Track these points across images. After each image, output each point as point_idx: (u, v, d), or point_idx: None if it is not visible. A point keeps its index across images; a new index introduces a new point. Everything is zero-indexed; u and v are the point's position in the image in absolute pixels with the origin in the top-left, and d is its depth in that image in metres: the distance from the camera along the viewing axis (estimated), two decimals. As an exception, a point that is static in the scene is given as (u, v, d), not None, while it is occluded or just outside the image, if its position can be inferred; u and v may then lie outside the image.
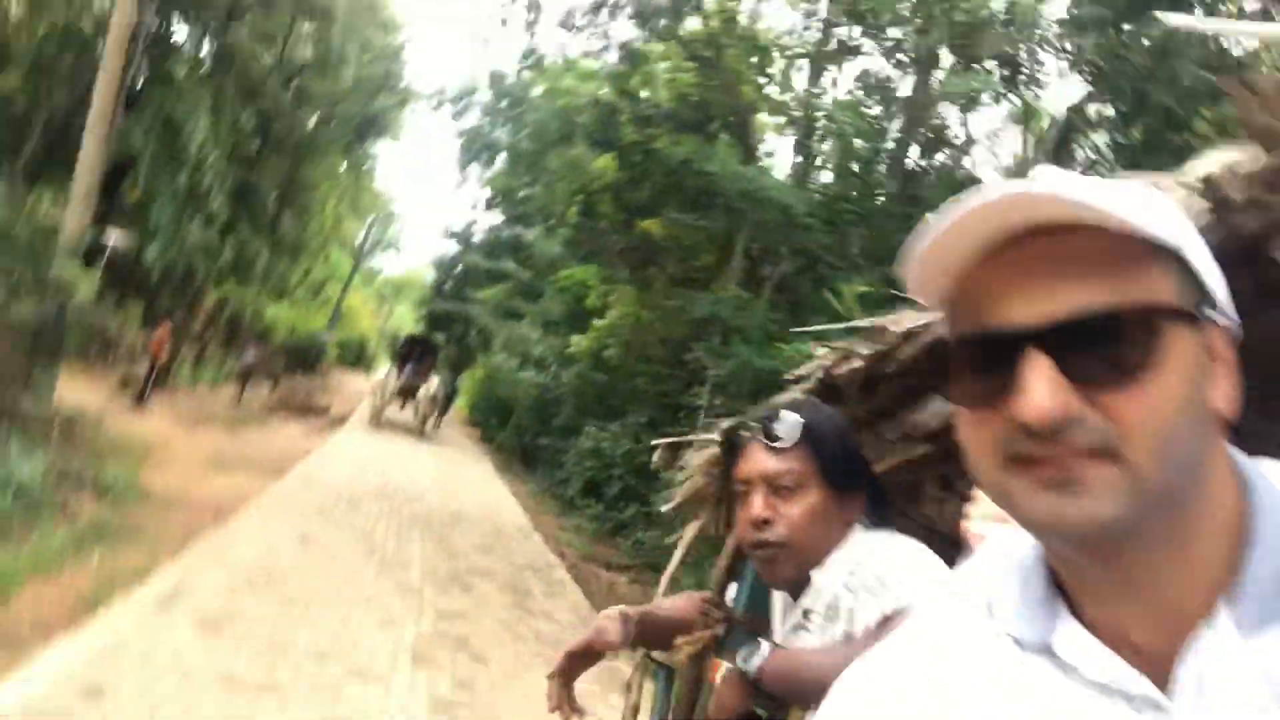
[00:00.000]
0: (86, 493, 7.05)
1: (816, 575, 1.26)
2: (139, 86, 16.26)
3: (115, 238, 13.66)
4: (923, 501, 2.27)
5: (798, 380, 1.64)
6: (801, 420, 1.29)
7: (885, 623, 1.14)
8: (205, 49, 19.64)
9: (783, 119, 12.62)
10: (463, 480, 15.06)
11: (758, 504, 1.27)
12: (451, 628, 6.11)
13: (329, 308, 34.62)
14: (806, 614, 1.28)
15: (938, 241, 0.54)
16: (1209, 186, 0.85)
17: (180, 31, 19.03)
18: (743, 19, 12.89)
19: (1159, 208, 0.54)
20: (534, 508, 13.49)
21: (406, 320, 46.36)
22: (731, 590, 1.63)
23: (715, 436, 1.69)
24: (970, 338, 0.55)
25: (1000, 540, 0.67)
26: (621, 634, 1.43)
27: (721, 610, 1.50)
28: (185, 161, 17.29)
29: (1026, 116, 10.56)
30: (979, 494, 1.11)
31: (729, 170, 8.86)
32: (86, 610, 4.65)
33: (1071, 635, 0.58)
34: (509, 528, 11.30)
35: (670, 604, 1.58)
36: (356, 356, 41.53)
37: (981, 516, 1.16)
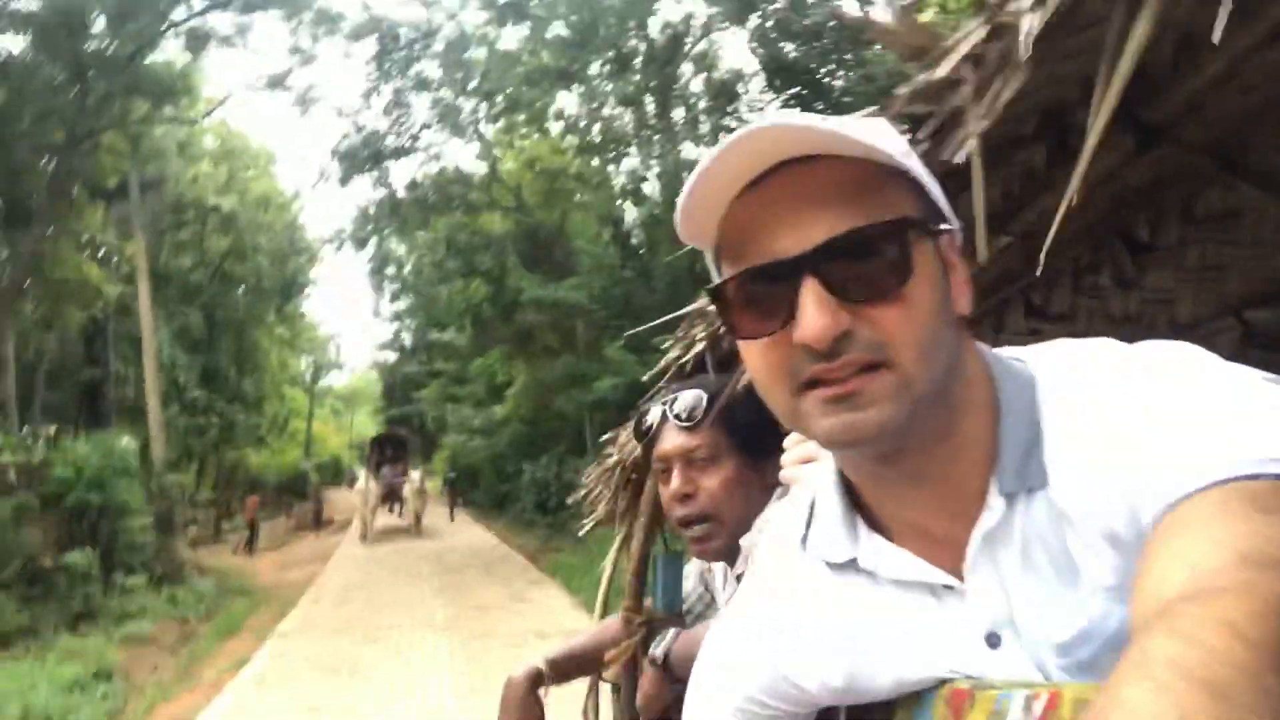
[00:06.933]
0: (233, 592, 12.48)
1: (744, 541, 1.28)
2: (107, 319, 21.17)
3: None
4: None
5: (661, 376, 1.65)
6: (704, 394, 1.32)
7: None
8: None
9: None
10: (447, 530, 20.82)
11: (677, 480, 1.31)
12: (452, 586, 11.77)
13: (298, 440, 39.68)
14: (740, 580, 1.24)
15: (702, 186, 0.58)
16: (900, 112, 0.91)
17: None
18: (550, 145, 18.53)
19: (887, 134, 0.60)
20: (504, 534, 19.11)
21: (368, 427, 51.34)
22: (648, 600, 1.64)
23: (622, 441, 1.72)
24: (745, 273, 0.58)
25: (808, 479, 0.73)
26: (535, 697, 1.54)
27: (641, 615, 1.56)
28: (160, 368, 22.36)
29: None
30: (787, 442, 1.22)
31: (539, 292, 14.89)
32: (281, 616, 10.21)
33: (870, 545, 0.64)
34: (483, 546, 17.04)
35: (588, 631, 1.72)
36: (334, 473, 46.72)
37: (791, 461, 1.19)
